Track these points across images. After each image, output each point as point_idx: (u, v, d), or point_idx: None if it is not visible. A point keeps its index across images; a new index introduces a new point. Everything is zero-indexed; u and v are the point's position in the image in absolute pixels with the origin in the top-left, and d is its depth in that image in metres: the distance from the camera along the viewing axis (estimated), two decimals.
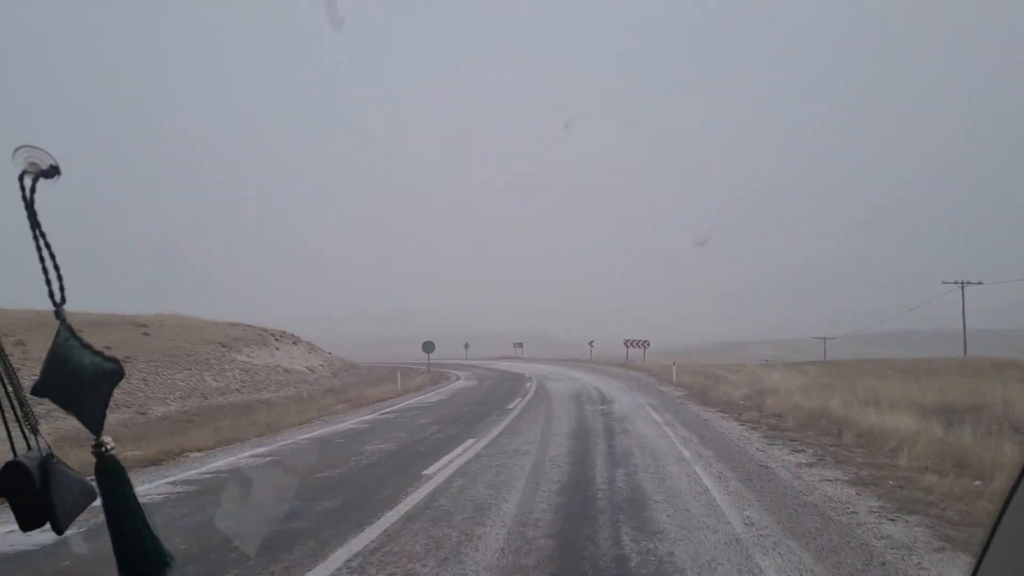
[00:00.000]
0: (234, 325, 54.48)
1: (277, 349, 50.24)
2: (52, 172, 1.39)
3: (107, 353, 1.48)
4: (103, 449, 1.47)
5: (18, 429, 1.45)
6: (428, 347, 54.01)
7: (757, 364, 65.55)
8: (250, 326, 56.84)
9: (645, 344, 57.35)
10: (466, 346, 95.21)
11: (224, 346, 42.34)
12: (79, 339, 1.44)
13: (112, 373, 1.46)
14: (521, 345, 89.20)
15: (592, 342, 69.61)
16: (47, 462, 1.42)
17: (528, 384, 35.15)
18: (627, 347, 57.59)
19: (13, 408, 1.42)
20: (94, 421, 1.45)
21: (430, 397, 29.40)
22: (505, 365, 63.32)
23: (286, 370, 44.47)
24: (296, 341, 57.60)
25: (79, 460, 1.64)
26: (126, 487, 1.50)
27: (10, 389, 1.41)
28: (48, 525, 1.42)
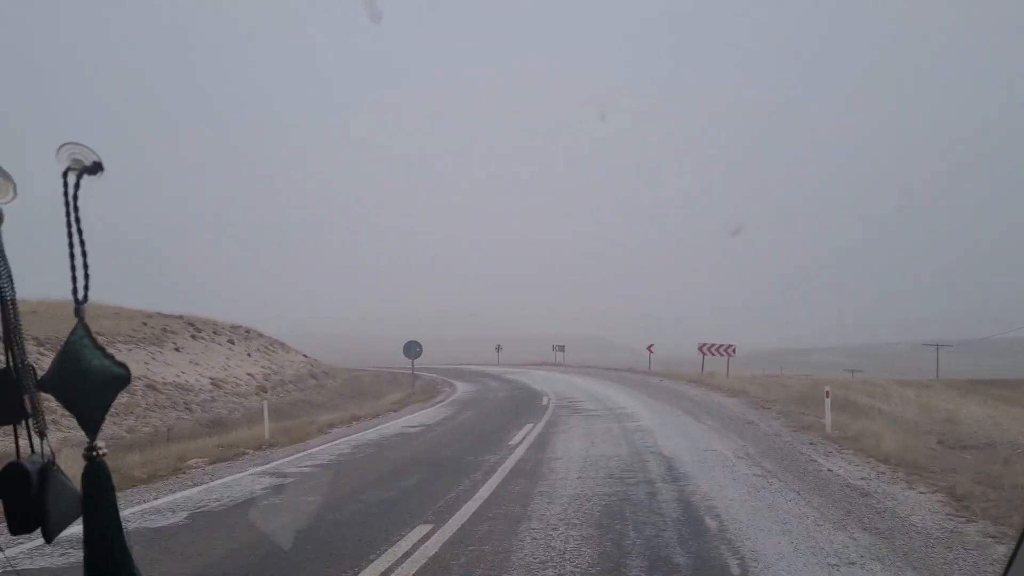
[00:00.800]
0: (147, 316, 37.71)
1: (177, 350, 33.05)
2: (96, 168, 1.38)
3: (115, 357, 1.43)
4: (95, 453, 1.39)
5: (27, 431, 1.41)
6: (411, 350, 36.35)
7: (891, 381, 46.46)
8: (180, 318, 39.94)
9: (730, 351, 38.83)
10: (498, 349, 77.59)
11: (41, 344, 25.20)
12: (92, 339, 1.39)
13: (119, 379, 1.41)
14: (562, 349, 71.09)
15: (651, 347, 51.24)
16: (47, 468, 1.38)
17: (524, 432, 16.87)
18: (703, 354, 39.10)
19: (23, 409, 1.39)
20: (92, 423, 1.39)
21: (245, 485, 11.35)
22: (531, 377, 45.29)
23: (151, 384, 27.07)
24: (235, 340, 40.44)
25: None
26: (110, 495, 1.42)
27: (24, 388, 1.37)
28: (36, 532, 1.38)
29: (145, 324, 35.23)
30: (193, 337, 36.75)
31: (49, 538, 1.39)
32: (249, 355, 39.22)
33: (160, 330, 34.98)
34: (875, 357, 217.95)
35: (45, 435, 1.43)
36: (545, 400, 26.91)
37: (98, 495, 1.41)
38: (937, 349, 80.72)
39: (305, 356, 50.14)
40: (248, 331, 45.32)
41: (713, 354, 38.89)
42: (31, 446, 1.41)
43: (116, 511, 1.43)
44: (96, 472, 1.41)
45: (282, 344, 49.13)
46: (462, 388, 38.43)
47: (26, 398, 1.38)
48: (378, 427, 19.85)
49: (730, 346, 38.96)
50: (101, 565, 1.41)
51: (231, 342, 39.49)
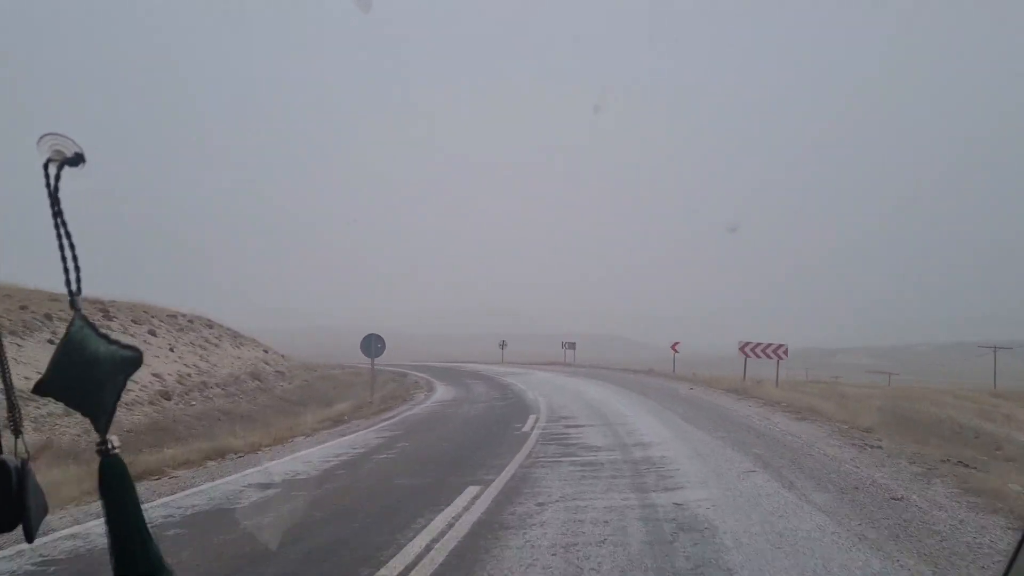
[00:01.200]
0: (52, 298, 29.26)
1: (51, 342, 24.60)
2: (77, 160, 1.34)
3: (123, 341, 1.38)
4: (108, 447, 1.37)
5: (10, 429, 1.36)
6: (370, 346, 27.85)
7: (986, 393, 37.23)
8: (98, 302, 31.72)
9: (780, 353, 29.79)
10: (501, 345, 68.75)
11: None
12: (93, 327, 1.35)
13: (129, 361, 1.38)
14: (572, 346, 62.12)
15: (677, 345, 42.31)
16: (24, 466, 1.33)
17: (453, 512, 7.79)
18: (745, 356, 30.05)
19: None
20: (103, 417, 1.36)
21: None
22: (529, 380, 36.57)
23: None
24: (158, 330, 31.84)
25: None
26: (130, 490, 1.39)
27: (2, 387, 1.33)
28: (15, 531, 1.34)
29: (24, 308, 26.74)
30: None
31: (31, 538, 1.33)
32: (172, 350, 30.60)
33: (43, 316, 26.47)
34: (901, 359, 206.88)
35: (21, 432, 1.34)
36: (530, 421, 18.08)
37: (118, 490, 1.36)
38: (995, 352, 70.96)
39: (265, 351, 41.63)
40: (192, 320, 36.82)
41: (758, 356, 29.86)
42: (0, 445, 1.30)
43: (138, 504, 1.38)
44: (113, 467, 1.36)
45: (236, 336, 40.65)
46: (438, 395, 29.81)
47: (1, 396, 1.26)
48: (211, 483, 11.06)
49: (780, 346, 29.86)
50: (131, 559, 1.35)
51: (152, 333, 30.91)
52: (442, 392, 31.27)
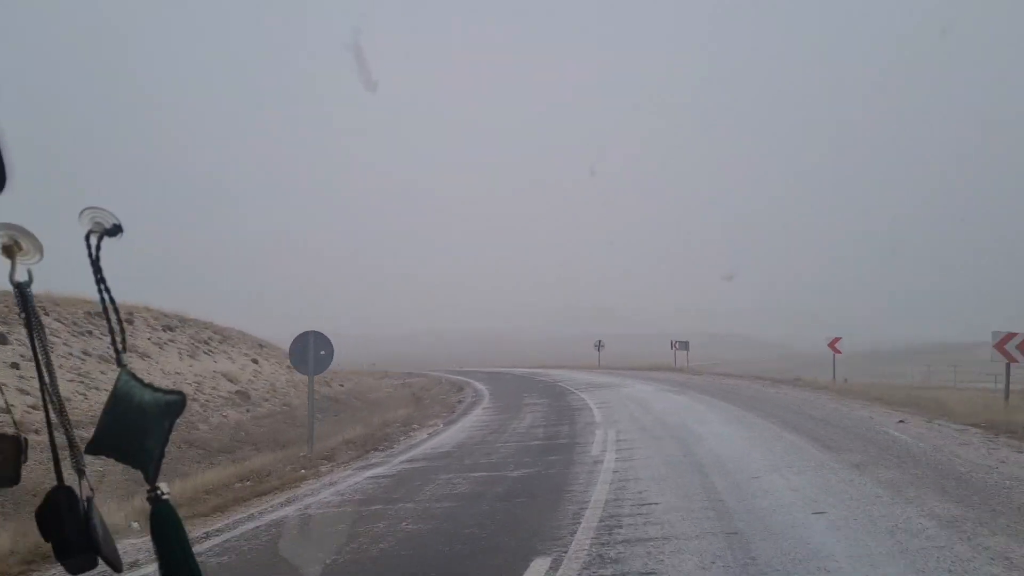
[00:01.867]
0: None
1: None
2: (115, 231, 1.39)
3: (165, 387, 1.41)
4: (158, 494, 1.35)
5: (64, 469, 1.36)
6: (307, 353, 15.19)
7: None
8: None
9: None
10: (598, 346, 55.28)
11: None
12: (139, 380, 1.37)
13: (175, 404, 1.38)
14: (686, 347, 47.93)
15: (837, 343, 28.00)
16: (90, 504, 1.32)
17: None
18: (1008, 360, 15.64)
19: (54, 448, 1.33)
20: (152, 465, 1.34)
21: None
22: (618, 400, 23.24)
23: None
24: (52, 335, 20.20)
25: None
26: (182, 535, 1.37)
27: (59, 426, 1.34)
28: (86, 569, 1.32)
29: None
30: None
31: (119, 568, 1.36)
32: (16, 366, 18.77)
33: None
34: None
35: (84, 472, 1.34)
36: None
37: (171, 536, 1.36)
38: None
39: (255, 360, 29.73)
40: (132, 321, 25.20)
41: None
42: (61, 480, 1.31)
43: (190, 550, 1.38)
44: (164, 513, 1.36)
45: (220, 341, 29.10)
46: (452, 431, 17.56)
47: (63, 433, 1.33)
48: None
49: None
50: None
51: None
52: (467, 423, 18.67)
